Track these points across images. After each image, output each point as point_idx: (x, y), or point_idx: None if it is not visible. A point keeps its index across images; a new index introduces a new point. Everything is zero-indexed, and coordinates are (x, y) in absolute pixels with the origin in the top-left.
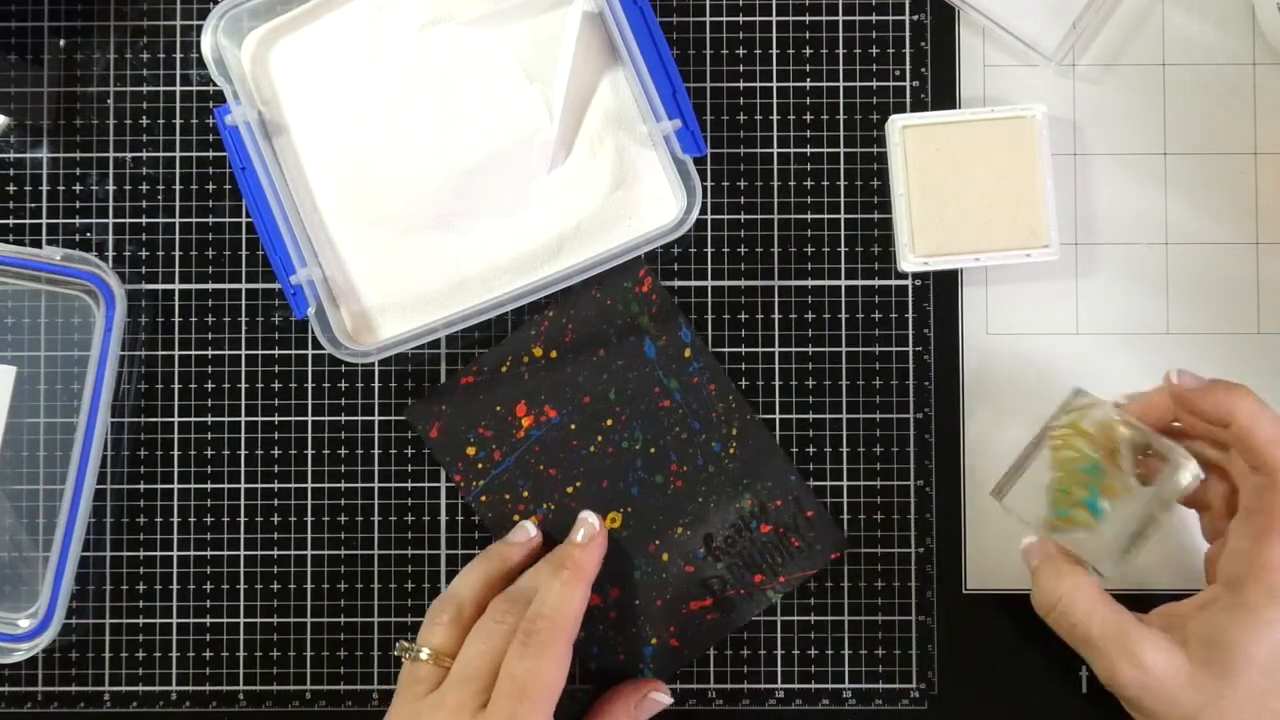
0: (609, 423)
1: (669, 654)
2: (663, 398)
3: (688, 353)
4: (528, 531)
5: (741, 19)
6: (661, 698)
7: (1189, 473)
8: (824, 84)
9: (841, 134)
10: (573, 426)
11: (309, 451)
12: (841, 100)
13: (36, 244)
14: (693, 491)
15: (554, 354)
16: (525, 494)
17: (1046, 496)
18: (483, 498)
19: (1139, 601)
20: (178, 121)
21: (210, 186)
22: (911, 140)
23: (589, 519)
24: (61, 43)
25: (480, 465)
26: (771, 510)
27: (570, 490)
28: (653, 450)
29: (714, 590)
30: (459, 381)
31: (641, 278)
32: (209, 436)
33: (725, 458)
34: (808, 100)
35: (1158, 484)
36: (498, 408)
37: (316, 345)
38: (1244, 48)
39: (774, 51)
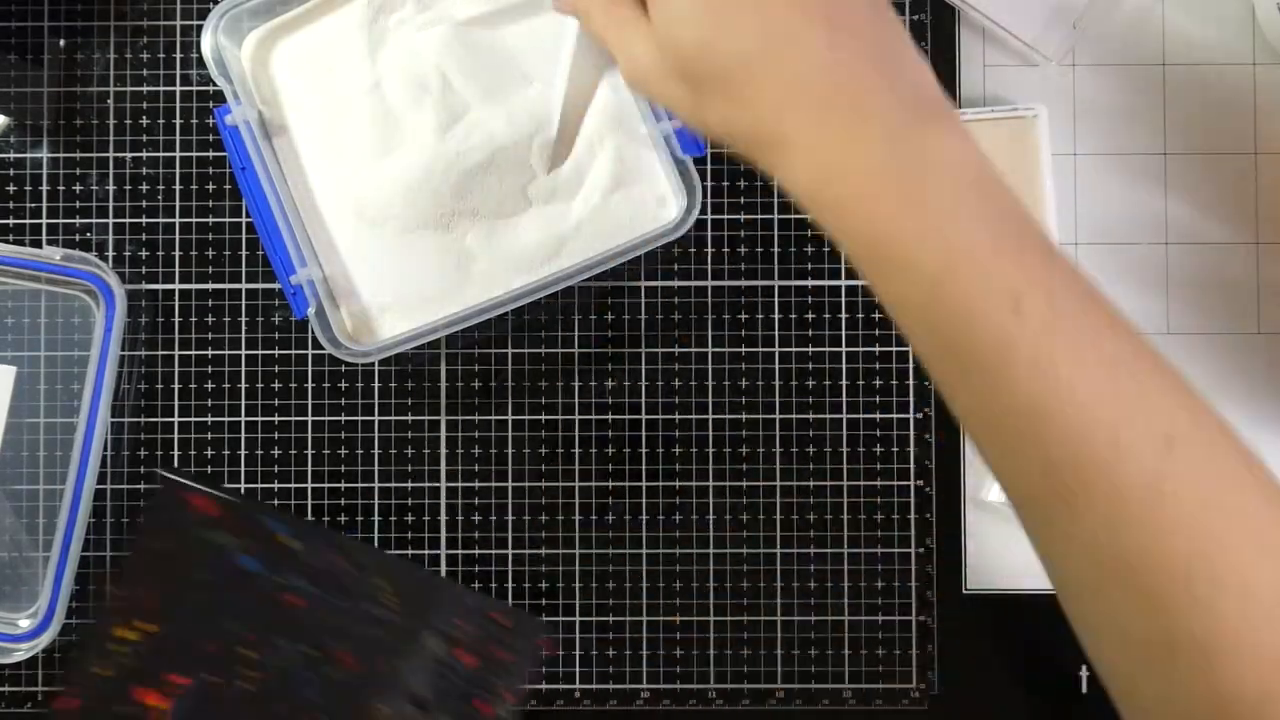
0: (250, 653)
1: None
2: (295, 598)
3: (296, 544)
4: None
5: None
6: None
7: None
8: None
9: None
10: (213, 680)
11: (309, 451)
12: None
13: (36, 244)
14: (372, 664)
15: (151, 627)
16: None
17: None
18: None
19: None
20: (178, 121)
21: (210, 186)
22: None
23: None
24: (61, 43)
25: None
26: (462, 636)
27: None
28: (306, 650)
29: None
30: (54, 709)
31: (188, 501)
32: (209, 436)
33: (388, 611)
34: None
35: None
36: (114, 709)
37: (316, 345)
38: (1244, 48)
39: None
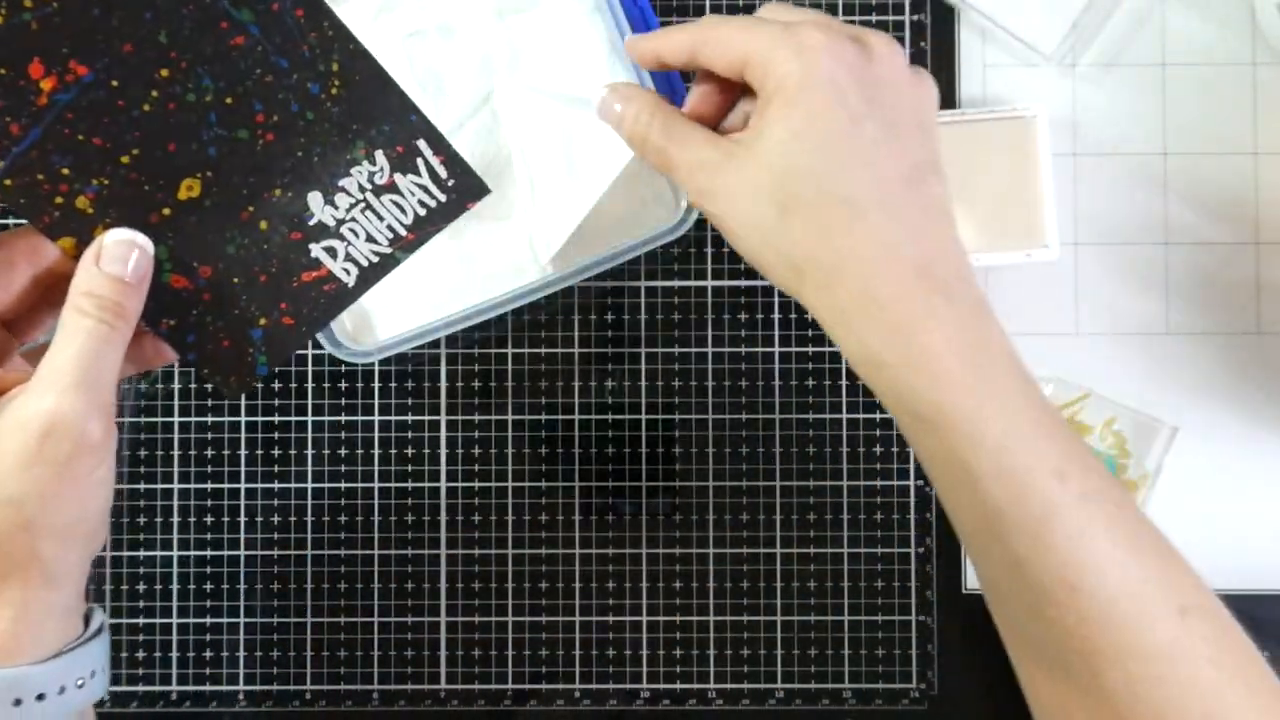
0: (164, 73)
1: (282, 333)
2: (233, 34)
3: None
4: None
5: None
6: (112, 235)
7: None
8: None
9: None
10: (114, 84)
11: (309, 451)
12: None
13: None
14: (289, 145)
15: None
16: (65, 171)
17: None
18: (6, 182)
19: None
20: None
21: None
22: None
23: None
24: None
25: None
26: (393, 159)
27: (126, 160)
28: (229, 100)
29: (330, 257)
30: None
31: None
32: (209, 436)
33: (326, 100)
34: None
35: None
36: (2, 70)
37: (317, 345)
38: (1244, 48)
39: None
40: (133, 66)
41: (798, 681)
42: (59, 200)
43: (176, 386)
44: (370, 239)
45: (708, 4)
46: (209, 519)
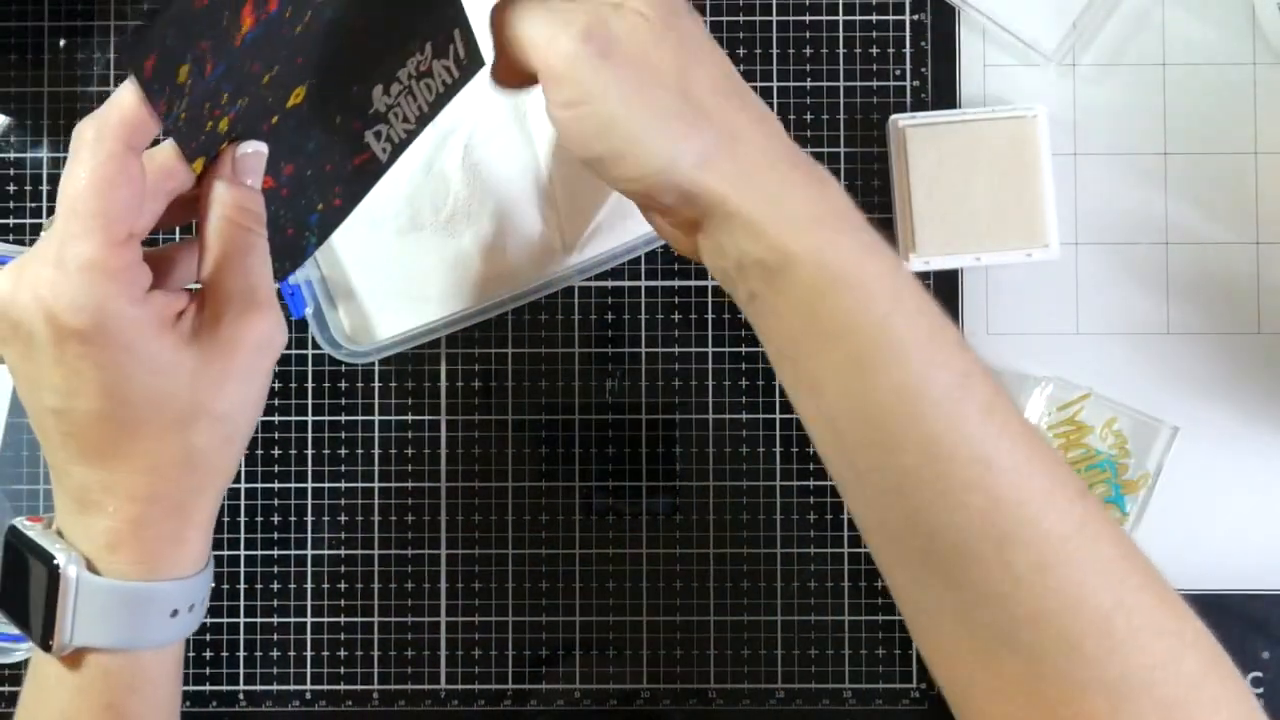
0: None
1: (333, 213)
2: None
3: None
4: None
5: (741, 19)
6: (247, 147)
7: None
8: (824, 84)
9: (842, 134)
10: (289, 12)
11: (309, 451)
12: (841, 100)
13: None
14: (374, 45)
15: None
16: (224, 98)
17: None
18: (183, 116)
19: None
20: None
21: None
22: (911, 140)
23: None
24: (61, 43)
25: (188, 87)
26: (436, 46)
27: (266, 80)
28: (347, 14)
29: (376, 140)
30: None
31: None
32: None
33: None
34: (808, 100)
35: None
36: (225, 15)
37: (316, 345)
38: (1244, 48)
39: (774, 51)
40: None
41: (798, 681)
42: (209, 125)
43: None
44: (405, 119)
45: (708, 4)
46: None
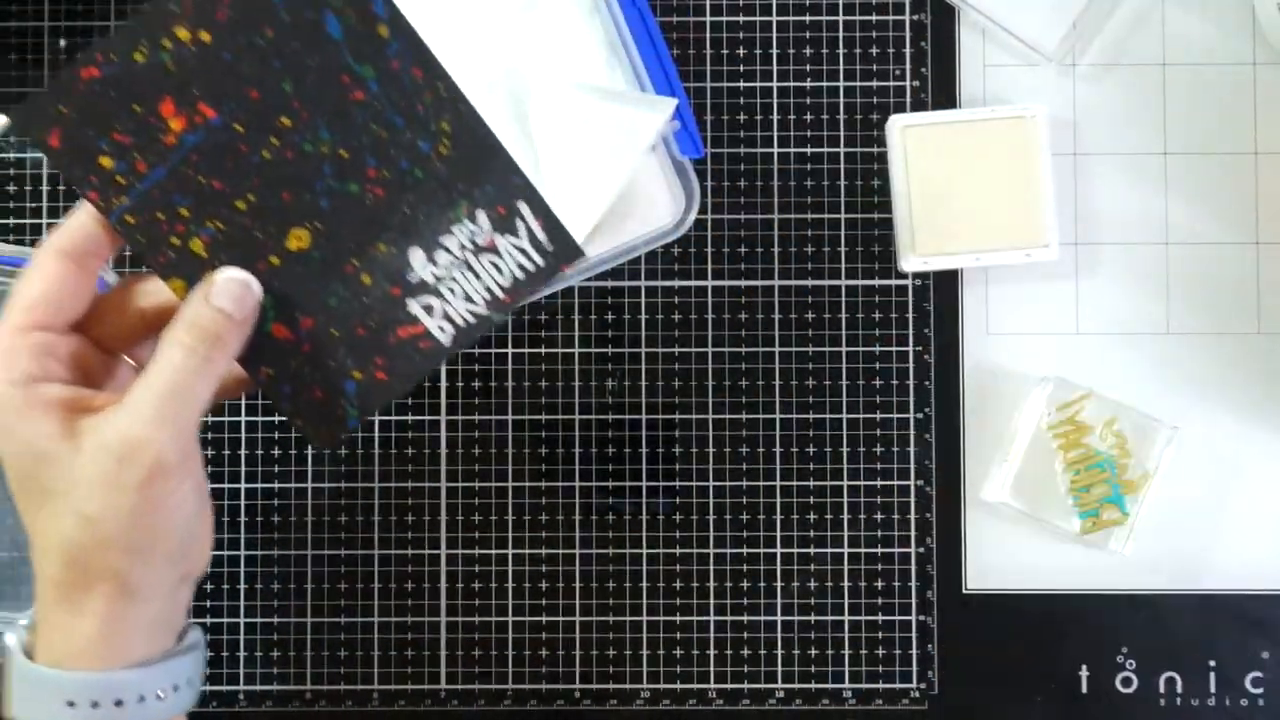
0: (285, 121)
1: (375, 388)
2: (354, 88)
3: (384, 30)
4: (248, 295)
5: (741, 19)
6: (229, 272)
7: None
8: (824, 84)
9: (841, 134)
10: (239, 128)
11: (309, 451)
12: (841, 100)
13: (36, 244)
14: (396, 201)
15: (205, 35)
16: (184, 212)
17: (1068, 500)
18: (128, 218)
19: (1139, 603)
20: None
21: None
22: (911, 140)
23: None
24: (61, 43)
25: (121, 180)
26: (494, 219)
27: (242, 206)
28: (344, 153)
29: (427, 314)
30: (78, 74)
31: None
32: (209, 436)
33: (435, 158)
34: (808, 100)
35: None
36: (136, 107)
37: None
38: (1244, 48)
39: (774, 51)
40: (258, 112)
41: (798, 681)
42: (175, 241)
43: None
44: (468, 298)
45: (708, 4)
46: None
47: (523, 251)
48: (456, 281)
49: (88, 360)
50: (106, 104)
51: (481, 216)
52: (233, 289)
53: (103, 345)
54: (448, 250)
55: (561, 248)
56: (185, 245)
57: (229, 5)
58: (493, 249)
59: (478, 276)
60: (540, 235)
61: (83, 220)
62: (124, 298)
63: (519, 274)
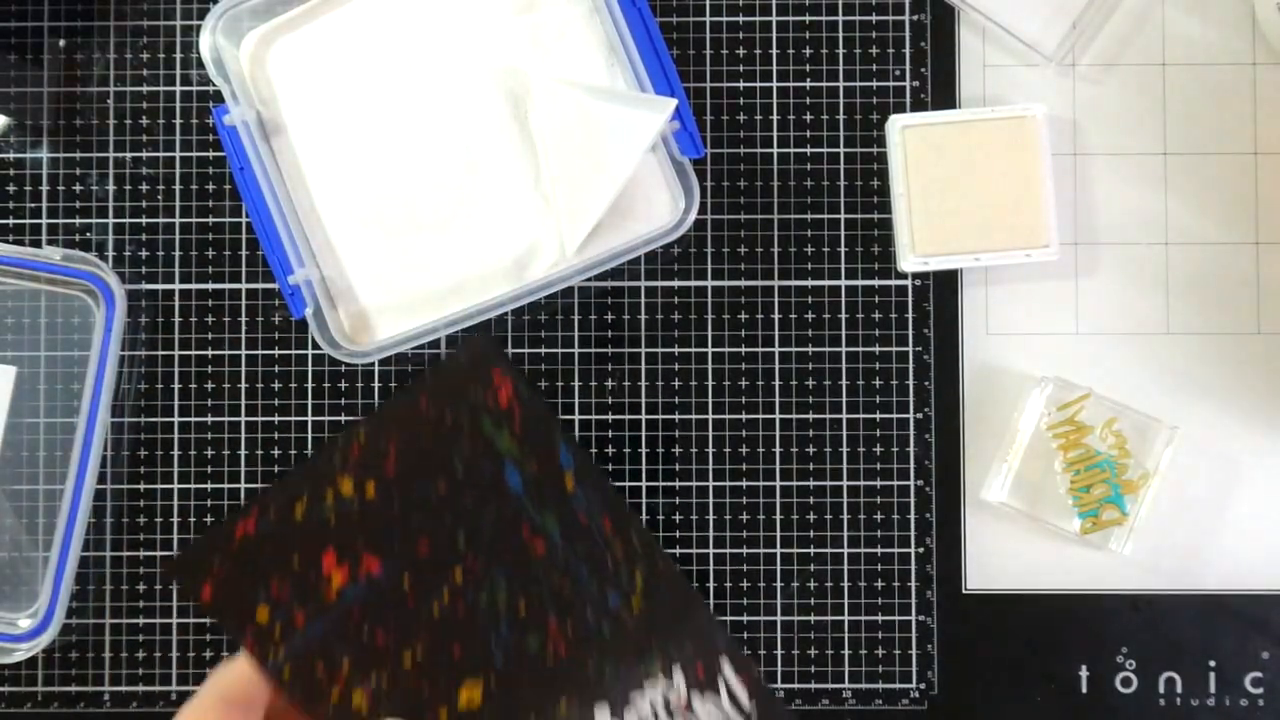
0: (458, 574)
1: None
2: (535, 538)
3: (570, 482)
4: None
5: (741, 19)
6: None
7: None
8: (824, 84)
9: (841, 134)
10: (405, 583)
11: (309, 451)
12: (841, 100)
13: (36, 244)
14: (581, 658)
15: (371, 489)
16: (346, 665)
17: (1068, 500)
18: (286, 672)
19: (1139, 603)
20: (178, 121)
21: (210, 186)
22: (911, 140)
23: None
24: (61, 43)
25: (278, 633)
26: (691, 678)
27: (408, 663)
28: (522, 606)
29: None
30: (234, 533)
31: (495, 383)
32: (209, 436)
33: (625, 613)
34: (808, 100)
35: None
36: (295, 560)
37: (316, 345)
38: (1244, 48)
39: (774, 51)
40: (427, 566)
41: (798, 681)
42: (335, 696)
43: (176, 387)
44: None
45: (707, 4)
46: (209, 519)
47: (724, 714)
48: None
49: None
50: (263, 559)
51: (677, 674)
52: None
53: None
54: (636, 710)
55: (769, 713)
56: (346, 701)
57: (398, 457)
58: (689, 712)
59: None
60: (741, 695)
61: (244, 669)
62: None
63: None
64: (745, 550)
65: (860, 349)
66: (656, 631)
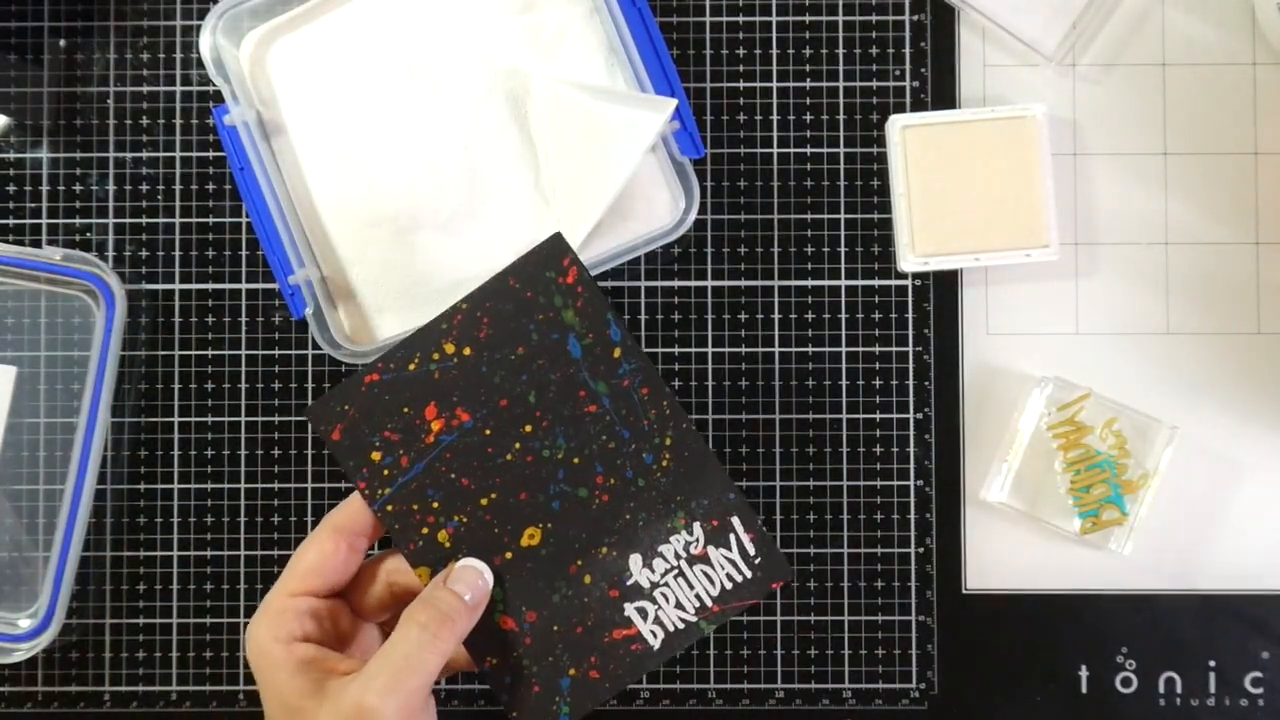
0: (528, 428)
1: (588, 687)
2: (589, 402)
3: (617, 353)
4: (481, 583)
5: (741, 19)
6: (467, 561)
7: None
8: (824, 84)
9: (841, 134)
10: (488, 432)
11: (309, 451)
12: (841, 100)
13: (36, 244)
14: (619, 508)
15: (467, 350)
16: (435, 505)
17: (1068, 500)
18: (389, 507)
19: (1139, 603)
20: (178, 121)
21: (210, 186)
22: (911, 140)
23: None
24: (61, 43)
25: (386, 472)
26: (708, 531)
27: (484, 502)
28: (576, 460)
29: (641, 618)
30: (363, 379)
31: (565, 267)
32: (209, 436)
33: (657, 470)
34: (808, 100)
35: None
36: (405, 409)
37: (316, 345)
38: (1244, 48)
39: (774, 51)
40: (505, 419)
41: (798, 681)
42: (425, 531)
43: (176, 387)
44: (679, 605)
45: (708, 4)
46: (209, 519)
47: (733, 564)
48: (670, 588)
49: (341, 622)
50: (381, 406)
51: (697, 528)
52: (469, 576)
53: (354, 610)
54: (663, 557)
55: (770, 564)
56: (433, 536)
57: (489, 325)
58: (705, 559)
59: (690, 585)
60: (750, 549)
61: (356, 505)
62: (377, 572)
63: (727, 584)
64: None
65: (860, 349)
66: (680, 488)
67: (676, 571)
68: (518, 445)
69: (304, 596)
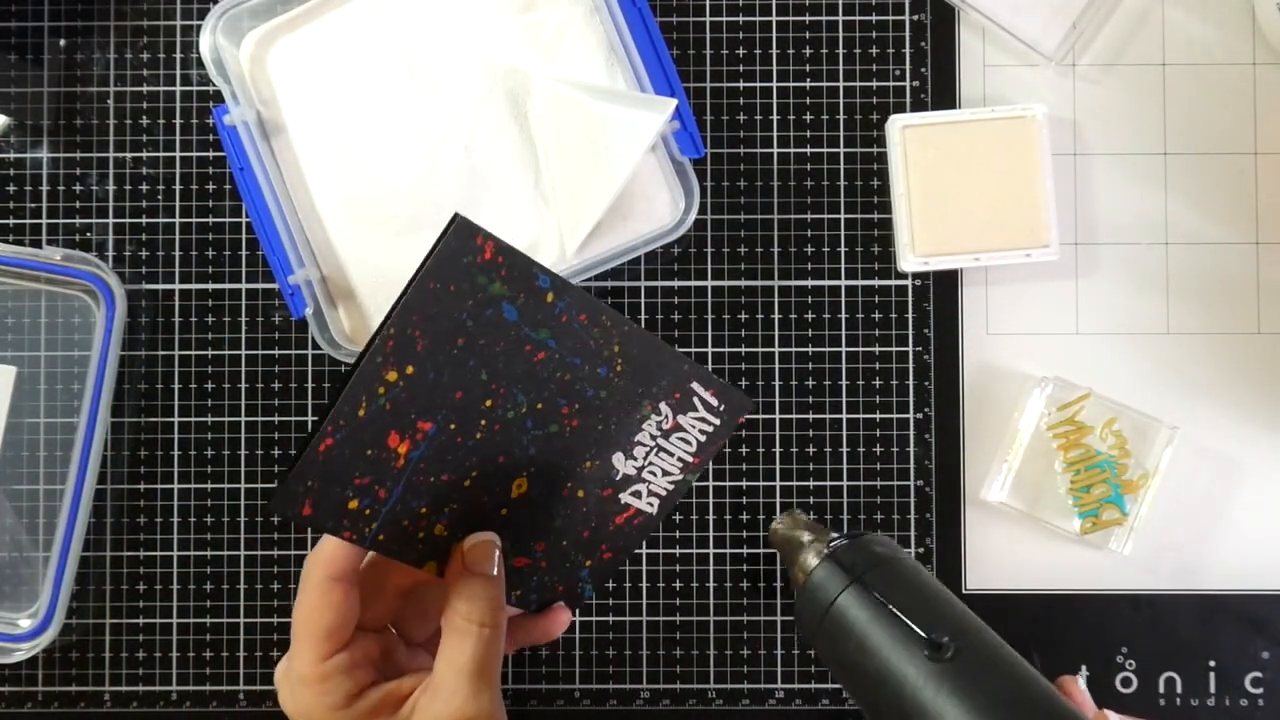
0: (489, 403)
1: (605, 566)
2: (536, 351)
3: (550, 297)
4: (495, 551)
5: (741, 19)
6: (470, 541)
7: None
8: (824, 84)
9: (841, 134)
10: (453, 427)
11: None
12: (841, 100)
13: (36, 244)
14: (591, 424)
15: (410, 370)
16: (423, 510)
17: (1068, 500)
18: (380, 538)
19: (1139, 603)
20: (178, 121)
21: (210, 186)
22: (911, 140)
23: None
24: (61, 43)
25: (368, 512)
26: (673, 405)
27: (468, 484)
28: (540, 406)
29: (636, 499)
30: (318, 450)
31: (480, 245)
32: (209, 436)
33: (614, 377)
34: (808, 100)
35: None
36: (368, 452)
37: (316, 345)
38: (1244, 48)
39: (774, 51)
40: (465, 408)
41: (797, 681)
42: (421, 535)
43: (176, 387)
44: (665, 473)
45: (708, 4)
46: (209, 519)
47: (702, 420)
48: (655, 464)
49: (371, 649)
50: (343, 463)
51: (663, 406)
52: (483, 553)
53: (366, 626)
54: (641, 444)
55: (732, 404)
56: (430, 534)
57: (423, 336)
58: (677, 428)
59: (670, 453)
60: (713, 401)
61: (339, 547)
62: (378, 577)
63: (701, 438)
64: (745, 550)
65: (860, 349)
66: (640, 381)
67: (656, 449)
68: (483, 422)
69: (338, 655)
